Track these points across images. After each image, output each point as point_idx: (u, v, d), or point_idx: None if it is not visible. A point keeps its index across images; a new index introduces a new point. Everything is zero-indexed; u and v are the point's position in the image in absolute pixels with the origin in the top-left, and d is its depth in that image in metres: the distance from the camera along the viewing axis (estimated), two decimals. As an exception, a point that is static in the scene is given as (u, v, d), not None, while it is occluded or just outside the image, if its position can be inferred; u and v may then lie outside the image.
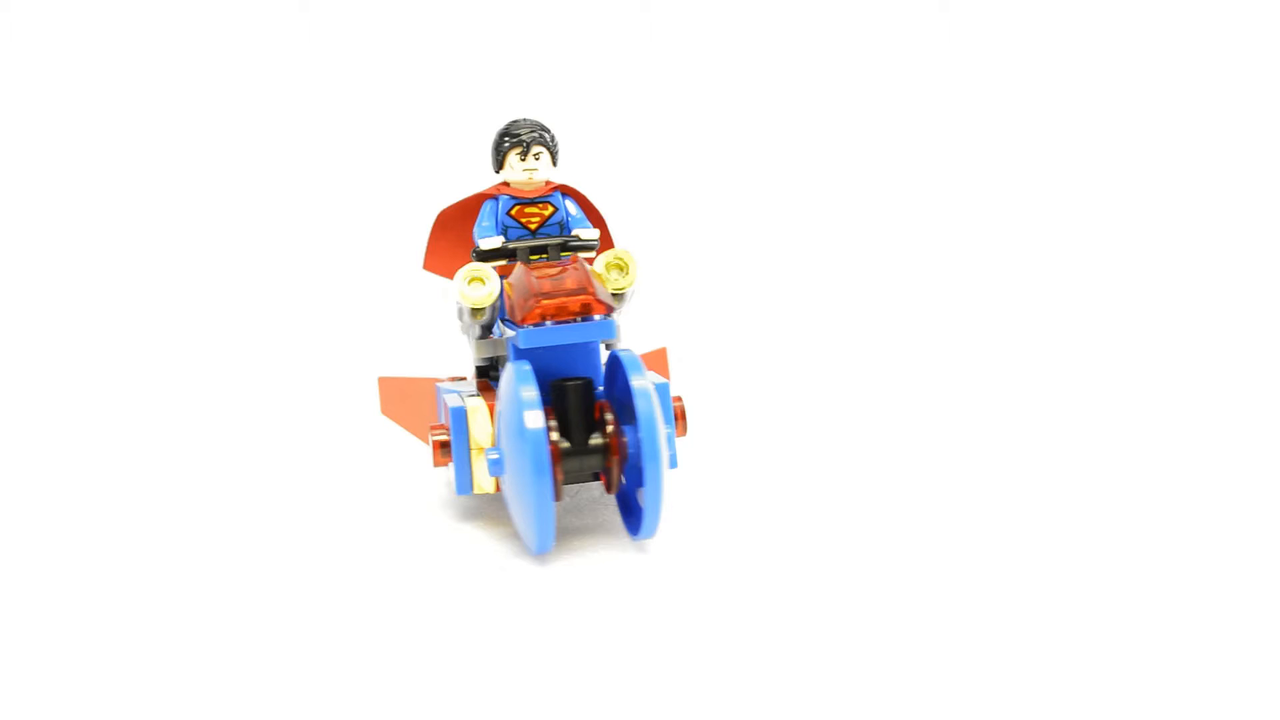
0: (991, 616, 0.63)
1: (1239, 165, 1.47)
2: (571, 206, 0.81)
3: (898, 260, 1.41)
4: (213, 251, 1.41)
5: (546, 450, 0.68)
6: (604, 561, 0.72)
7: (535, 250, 0.79)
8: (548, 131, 0.80)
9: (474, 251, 0.79)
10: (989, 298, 1.32)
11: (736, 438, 0.96)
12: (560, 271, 0.75)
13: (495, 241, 0.79)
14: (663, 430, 0.70)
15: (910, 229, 1.46)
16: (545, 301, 0.72)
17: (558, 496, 0.71)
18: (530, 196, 0.80)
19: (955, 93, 1.55)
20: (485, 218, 0.81)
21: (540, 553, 0.71)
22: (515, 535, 0.76)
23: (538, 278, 0.74)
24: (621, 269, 0.79)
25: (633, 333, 1.02)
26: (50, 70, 1.49)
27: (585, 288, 0.73)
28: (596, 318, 0.73)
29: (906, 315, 1.28)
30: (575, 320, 0.72)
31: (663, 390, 0.77)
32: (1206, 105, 1.52)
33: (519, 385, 0.69)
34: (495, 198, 0.81)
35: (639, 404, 0.69)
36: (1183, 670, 0.56)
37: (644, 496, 0.71)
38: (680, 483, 0.84)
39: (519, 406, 0.69)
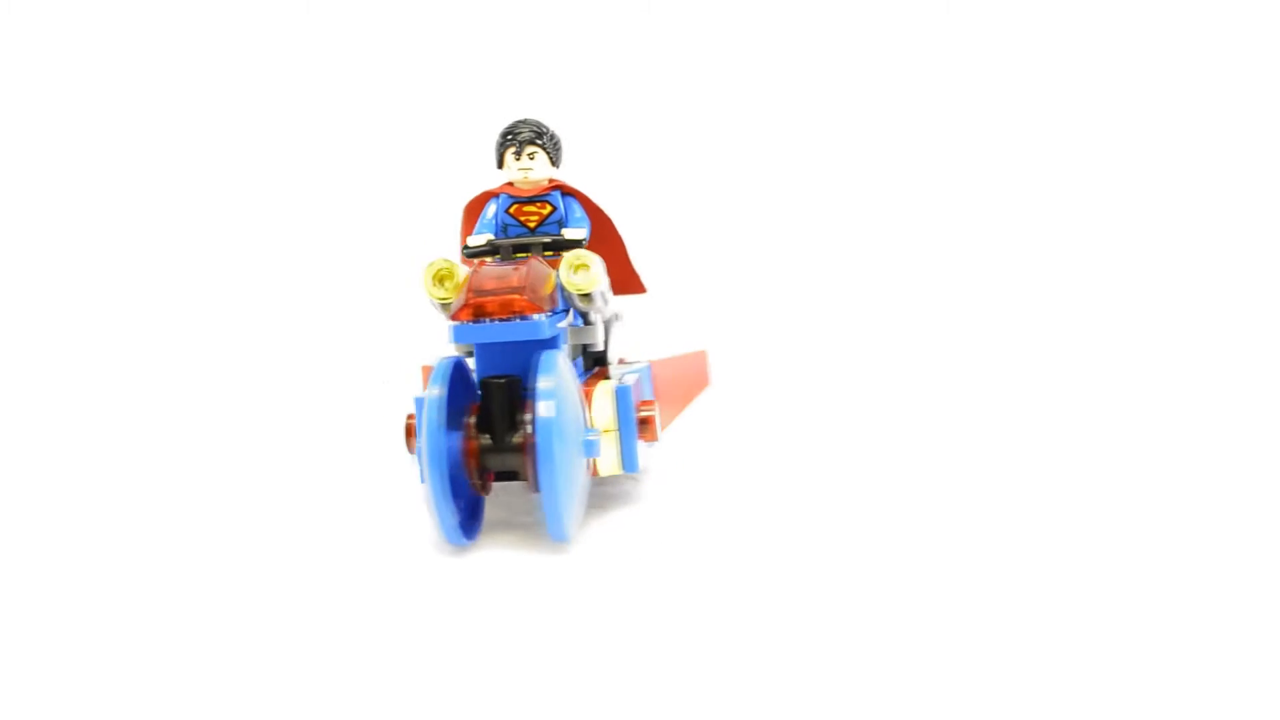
0: (990, 616, 0.61)
1: (1239, 166, 1.45)
2: (575, 206, 0.82)
3: (902, 262, 1.41)
4: (216, 253, 1.42)
5: (441, 444, 0.68)
6: (602, 562, 0.71)
7: (519, 248, 0.79)
8: (545, 132, 0.81)
9: (463, 248, 0.80)
10: (992, 298, 1.31)
11: (740, 439, 0.96)
12: (510, 270, 0.74)
13: (481, 239, 0.80)
14: (577, 431, 0.70)
15: (914, 230, 1.45)
16: (476, 299, 0.72)
17: (484, 491, 0.72)
18: (527, 195, 0.81)
19: (962, 93, 1.54)
20: (486, 214, 0.82)
21: (454, 543, 0.72)
22: (512, 530, 0.76)
23: (485, 275, 0.74)
24: (577, 270, 0.77)
25: (671, 333, 1.04)
26: (53, 70, 1.50)
27: (521, 287, 0.72)
28: (535, 317, 0.72)
29: (910, 316, 1.28)
30: (512, 318, 0.72)
31: (623, 393, 0.77)
32: (1207, 105, 1.50)
33: (431, 381, 0.70)
34: (499, 195, 0.82)
35: (537, 405, 0.69)
36: (1183, 669, 0.56)
37: (542, 497, 0.70)
38: (683, 483, 0.84)
39: (417, 403, 0.70)
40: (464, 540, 0.72)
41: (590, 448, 0.73)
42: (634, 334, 1.02)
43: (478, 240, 0.80)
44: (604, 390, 0.77)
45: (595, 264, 0.76)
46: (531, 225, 0.82)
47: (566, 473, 0.69)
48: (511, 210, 0.82)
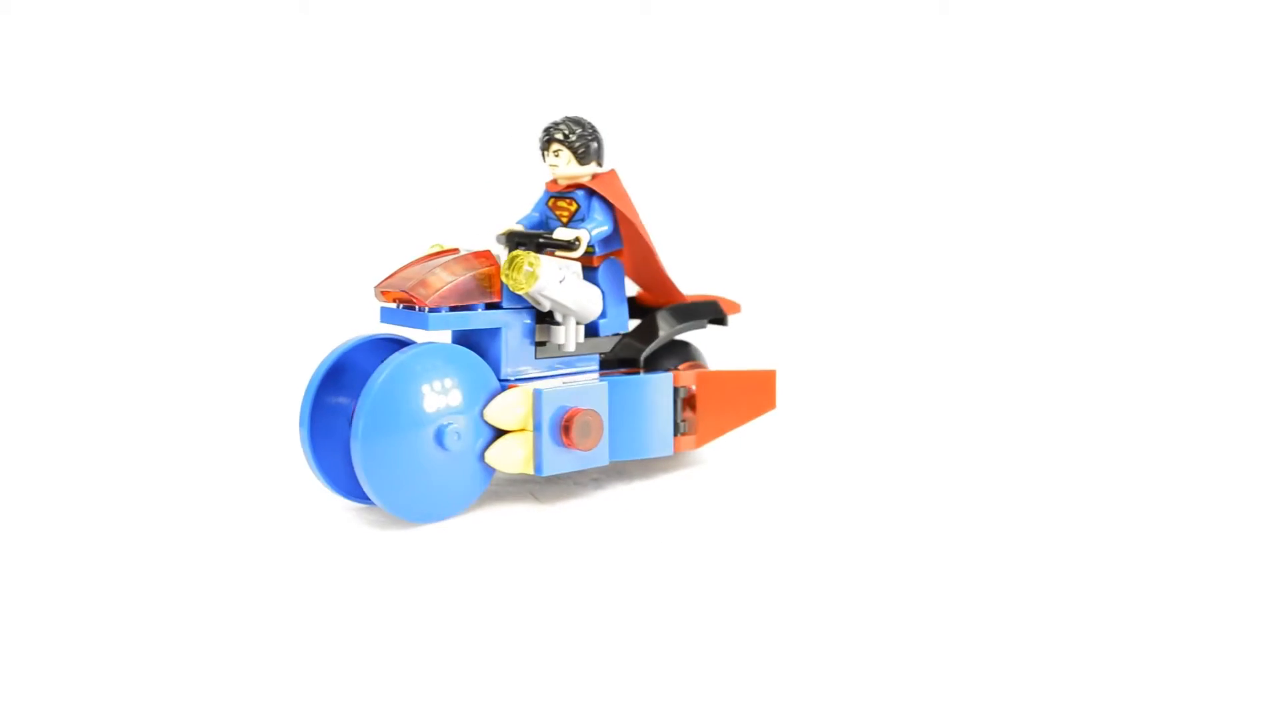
0: (991, 622, 0.62)
1: (1239, 167, 1.37)
2: (597, 208, 0.86)
3: (941, 273, 1.40)
4: (229, 253, 1.48)
5: (308, 409, 0.79)
6: (601, 560, 0.73)
7: (519, 242, 0.85)
8: (574, 131, 0.85)
9: (496, 236, 0.86)
10: (1012, 302, 1.30)
11: (762, 465, 0.97)
12: (443, 262, 0.81)
13: (501, 228, 0.87)
14: (428, 420, 0.77)
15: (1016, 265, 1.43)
16: (384, 286, 0.81)
17: None
18: (558, 191, 0.87)
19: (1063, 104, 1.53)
20: (533, 208, 0.89)
21: (348, 500, 0.81)
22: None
23: (417, 266, 0.82)
24: (511, 269, 0.81)
25: (758, 352, 1.07)
26: (52, 70, 1.51)
27: (419, 280, 0.79)
28: (421, 310, 0.79)
29: (938, 324, 1.28)
30: (415, 308, 0.80)
31: (538, 395, 0.81)
32: (1208, 107, 1.44)
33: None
34: (547, 190, 0.89)
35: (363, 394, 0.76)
36: (1183, 670, 0.56)
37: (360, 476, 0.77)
38: (696, 485, 0.88)
39: None
40: (355, 499, 0.81)
41: (440, 436, 0.79)
42: (719, 346, 1.06)
43: (501, 229, 0.87)
44: (522, 391, 0.81)
45: (534, 263, 0.80)
46: (564, 220, 0.87)
47: (393, 455, 0.76)
48: (549, 204, 0.88)
